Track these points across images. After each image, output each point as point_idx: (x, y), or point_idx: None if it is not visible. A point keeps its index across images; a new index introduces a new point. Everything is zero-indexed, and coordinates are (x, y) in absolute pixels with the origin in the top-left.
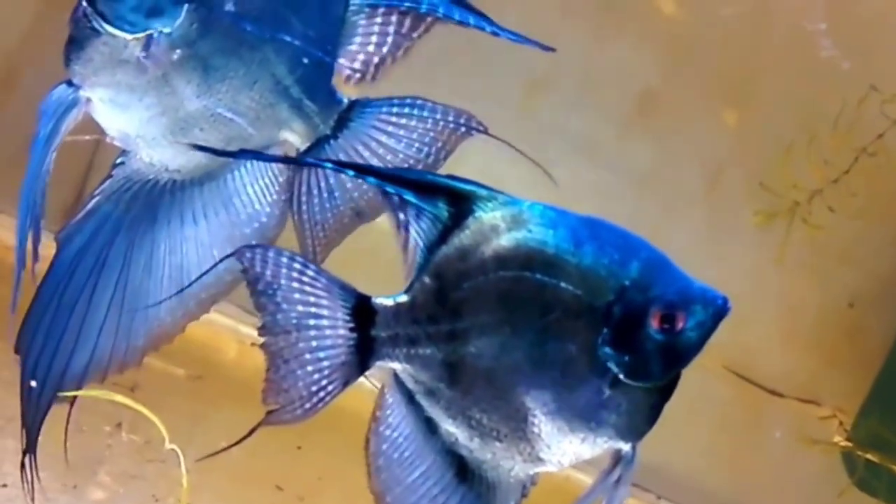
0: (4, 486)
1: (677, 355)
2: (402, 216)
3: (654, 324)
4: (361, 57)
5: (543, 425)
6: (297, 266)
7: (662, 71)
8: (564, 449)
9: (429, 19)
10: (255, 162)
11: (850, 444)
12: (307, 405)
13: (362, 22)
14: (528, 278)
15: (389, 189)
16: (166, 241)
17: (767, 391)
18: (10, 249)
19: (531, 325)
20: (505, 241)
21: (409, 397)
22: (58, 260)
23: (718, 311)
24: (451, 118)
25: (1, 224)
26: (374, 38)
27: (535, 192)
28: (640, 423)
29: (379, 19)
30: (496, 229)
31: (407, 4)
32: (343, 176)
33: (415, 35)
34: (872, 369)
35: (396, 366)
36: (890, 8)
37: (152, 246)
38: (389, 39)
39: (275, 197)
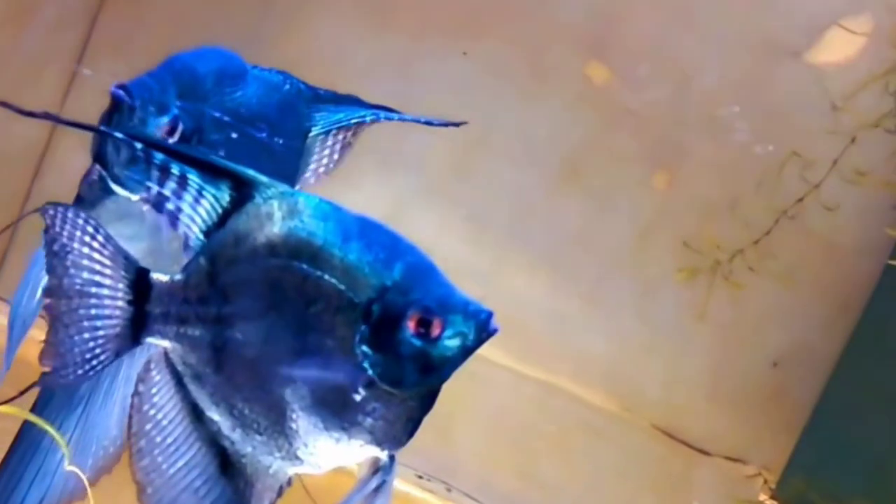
0: None
1: (432, 365)
2: (171, 205)
3: (410, 327)
4: (312, 180)
5: (301, 421)
6: (89, 230)
7: (592, 136)
8: (321, 449)
9: (369, 123)
10: None
11: (775, 503)
12: (79, 371)
13: (316, 147)
14: (295, 268)
15: (174, 168)
16: (126, 369)
17: (695, 450)
18: None
19: (294, 316)
20: (277, 228)
21: (178, 379)
22: (37, 404)
23: (480, 325)
24: None
25: None
26: (325, 161)
27: (469, 252)
28: (396, 431)
29: (329, 141)
30: (271, 217)
31: (355, 121)
32: None
33: (355, 139)
34: (797, 427)
35: (167, 344)
36: (810, 77)
37: (115, 374)
38: (336, 156)
39: None
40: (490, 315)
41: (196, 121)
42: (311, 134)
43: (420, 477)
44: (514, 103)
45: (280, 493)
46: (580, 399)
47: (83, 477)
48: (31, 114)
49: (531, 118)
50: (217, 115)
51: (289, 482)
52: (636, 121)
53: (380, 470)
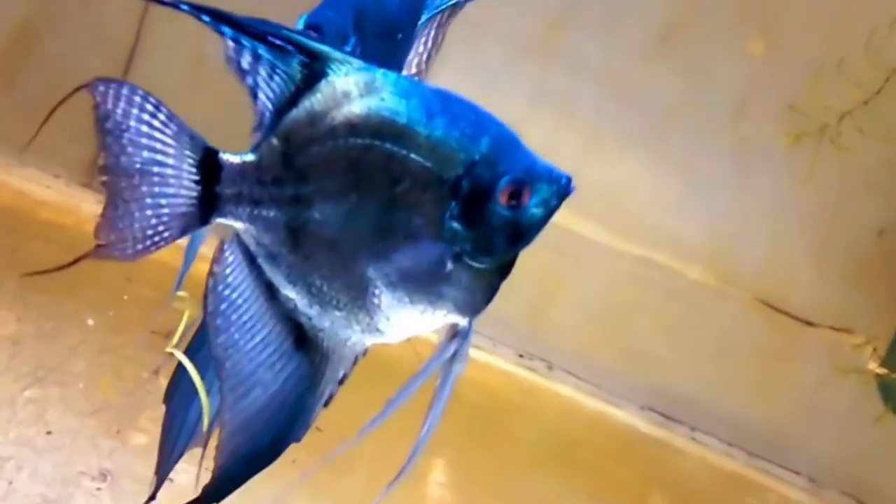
0: (49, 433)
1: (521, 232)
2: (250, 80)
3: (501, 199)
4: (416, 61)
5: (384, 296)
6: (149, 108)
7: (686, 1)
8: (403, 321)
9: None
10: None
11: (885, 371)
12: (139, 246)
13: (421, 33)
14: (378, 147)
15: (245, 42)
16: None
17: (798, 321)
18: (40, 204)
19: (378, 195)
20: (356, 107)
21: (251, 259)
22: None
23: (562, 189)
24: None
25: (29, 178)
26: (428, 44)
27: (560, 130)
28: (478, 299)
29: (430, 25)
30: (348, 95)
31: (450, 4)
32: None
33: (449, 24)
34: None
35: (239, 225)
36: None
37: None
38: (433, 36)
39: None
40: (569, 179)
41: (364, 43)
42: (419, 22)
43: (521, 356)
44: None
45: (355, 362)
46: (679, 273)
47: (204, 398)
48: None
49: None
50: (379, 30)
51: (364, 353)
52: None
53: (457, 336)
